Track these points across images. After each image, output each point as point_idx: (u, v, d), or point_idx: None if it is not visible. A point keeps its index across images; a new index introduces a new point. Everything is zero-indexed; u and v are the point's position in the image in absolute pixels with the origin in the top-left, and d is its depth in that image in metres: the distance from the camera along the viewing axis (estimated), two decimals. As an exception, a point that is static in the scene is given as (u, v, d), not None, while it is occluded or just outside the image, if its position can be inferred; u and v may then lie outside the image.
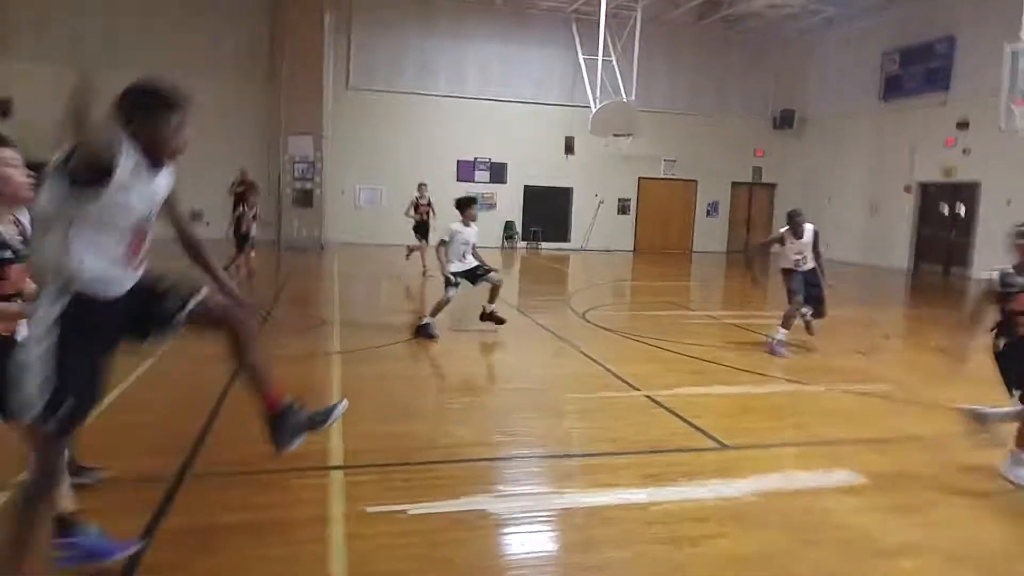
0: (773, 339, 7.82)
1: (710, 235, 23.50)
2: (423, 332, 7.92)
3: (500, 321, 8.41)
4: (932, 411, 5.90)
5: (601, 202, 22.61)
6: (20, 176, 2.74)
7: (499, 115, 21.54)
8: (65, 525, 2.82)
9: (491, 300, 8.40)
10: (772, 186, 23.61)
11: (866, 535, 3.59)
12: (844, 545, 3.47)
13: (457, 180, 21.05)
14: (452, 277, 8.00)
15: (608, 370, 6.91)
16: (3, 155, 2.72)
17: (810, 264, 7.96)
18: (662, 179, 22.93)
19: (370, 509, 3.63)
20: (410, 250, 14.05)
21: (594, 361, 7.29)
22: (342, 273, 14.89)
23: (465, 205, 8.24)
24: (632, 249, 22.94)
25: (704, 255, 22.72)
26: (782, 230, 8.10)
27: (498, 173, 22.02)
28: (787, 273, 8.00)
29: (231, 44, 19.23)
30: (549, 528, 3.67)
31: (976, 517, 3.87)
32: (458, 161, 21.47)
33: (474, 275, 8.17)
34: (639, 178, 22.69)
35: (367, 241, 20.14)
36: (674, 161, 22.86)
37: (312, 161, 19.47)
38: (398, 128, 20.68)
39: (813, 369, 7.27)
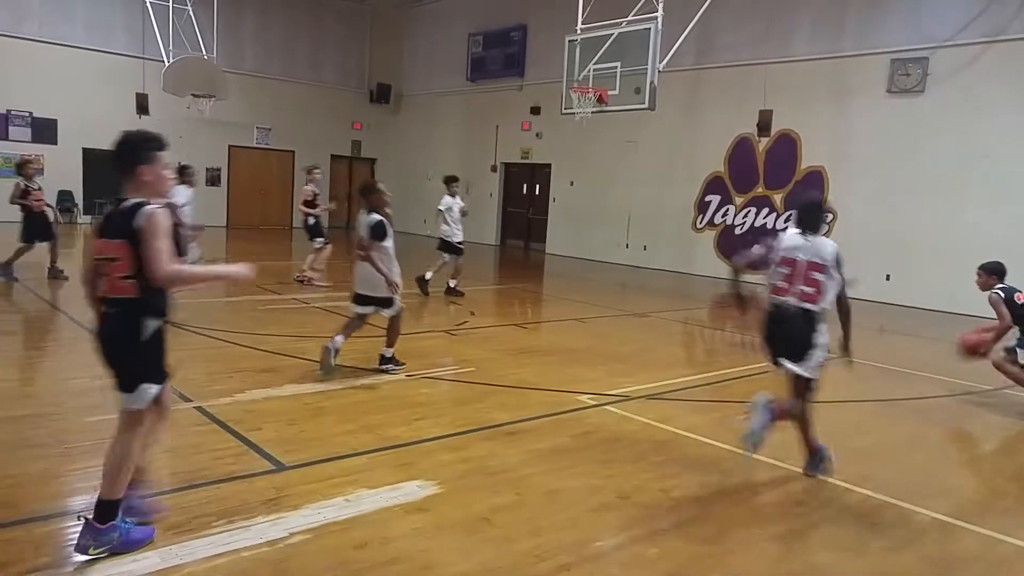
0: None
1: (312, 210, 22.40)
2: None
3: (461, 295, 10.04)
4: (514, 393, 5.81)
5: (187, 171, 19.81)
6: (170, 175, 3.17)
7: (40, 60, 17.31)
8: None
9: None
10: (372, 160, 23.49)
11: (426, 566, 2.98)
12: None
13: (-16, 136, 16.38)
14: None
15: (154, 378, 5.43)
16: (161, 158, 3.00)
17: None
18: (256, 148, 21.04)
19: None
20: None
21: (137, 367, 5.71)
22: None
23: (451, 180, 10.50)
24: (225, 224, 20.68)
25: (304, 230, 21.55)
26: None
27: (44, 131, 17.73)
28: None
29: None
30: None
31: (543, 511, 3.58)
32: (-17, 113, 16.69)
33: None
34: (229, 146, 20.46)
35: None
36: (269, 129, 21.13)
37: None
38: None
39: (399, 354, 6.74)
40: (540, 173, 19.07)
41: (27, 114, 17.58)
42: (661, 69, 10.93)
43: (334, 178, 22.81)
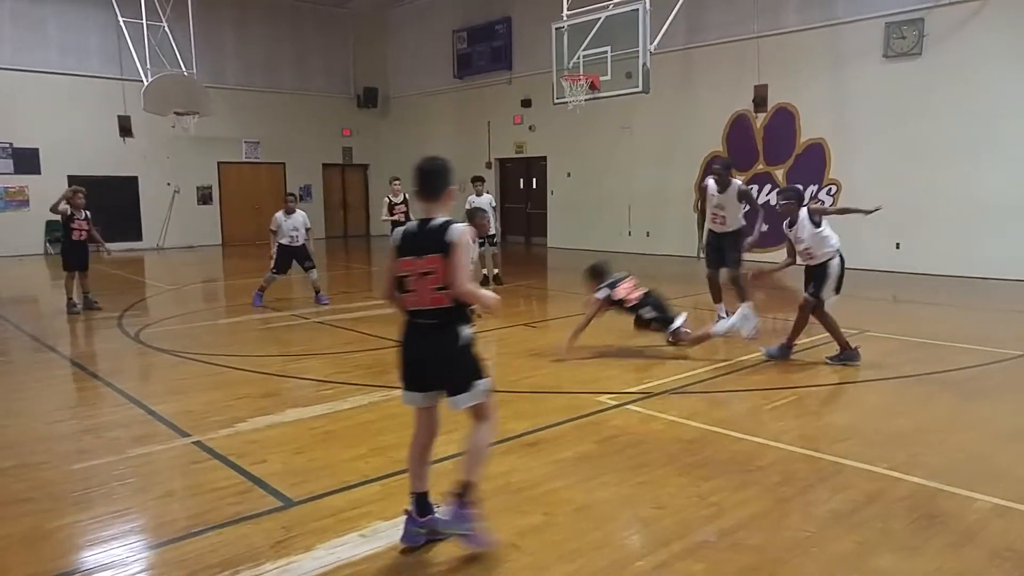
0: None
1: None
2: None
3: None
4: (530, 399, 5.52)
5: (176, 191, 19.57)
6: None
7: (17, 89, 17.08)
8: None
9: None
10: (365, 167, 23.19)
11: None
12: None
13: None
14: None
15: (151, 412, 5.19)
16: None
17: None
18: (246, 163, 20.76)
19: None
20: None
21: (133, 402, 5.46)
22: None
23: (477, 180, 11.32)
24: (220, 243, 20.40)
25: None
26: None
27: (27, 161, 17.49)
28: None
29: None
30: None
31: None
32: (-39, 146, 16.43)
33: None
34: (219, 162, 20.18)
35: None
36: (257, 143, 20.85)
37: None
38: None
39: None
40: (536, 166, 18.76)
41: (7, 145, 17.31)
42: (652, 51, 10.63)
43: (327, 186, 22.54)
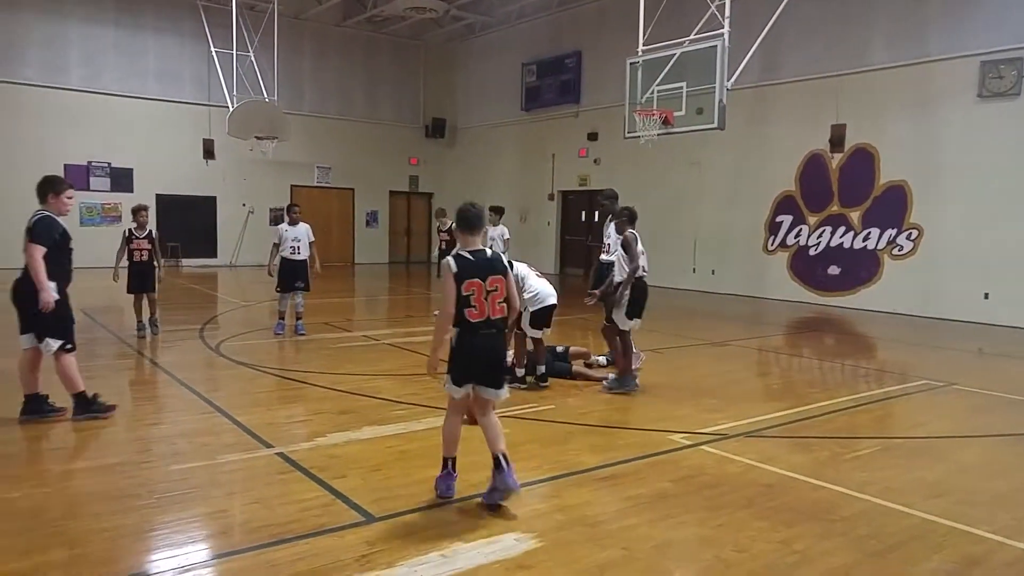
0: None
1: (372, 246, 22.68)
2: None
3: None
4: (601, 433, 5.52)
5: (251, 212, 20.34)
6: None
7: (117, 112, 18.28)
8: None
9: None
10: (429, 195, 23.67)
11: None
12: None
13: (66, 188, 17.17)
14: None
15: (236, 422, 5.38)
16: None
17: None
18: (317, 187, 21.46)
19: None
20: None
21: (219, 411, 5.68)
22: None
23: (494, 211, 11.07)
24: (290, 263, 21.05)
25: (367, 267, 21.82)
26: None
27: (121, 180, 18.57)
28: None
29: None
30: None
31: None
32: (66, 165, 17.47)
33: None
34: (291, 186, 20.90)
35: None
36: (329, 168, 21.56)
37: None
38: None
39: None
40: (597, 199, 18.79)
41: (106, 164, 18.40)
42: (729, 87, 10.62)
43: (393, 213, 23.09)
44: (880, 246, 13.06)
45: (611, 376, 6.70)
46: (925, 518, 3.89)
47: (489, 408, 3.98)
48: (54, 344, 5.18)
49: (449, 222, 12.17)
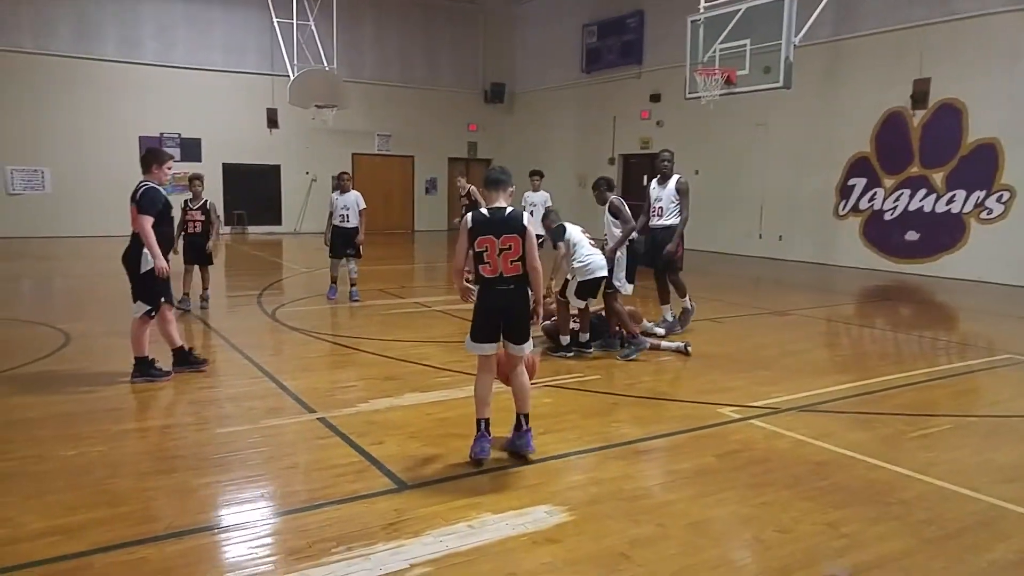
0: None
1: (431, 213, 22.75)
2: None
3: None
4: (647, 405, 5.36)
5: (314, 180, 20.68)
6: None
7: (186, 85, 18.79)
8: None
9: None
10: (488, 161, 23.49)
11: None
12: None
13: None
14: None
15: (282, 387, 5.47)
16: None
17: None
18: (378, 155, 21.60)
19: None
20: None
21: (266, 375, 5.78)
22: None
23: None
24: (352, 230, 21.39)
25: (426, 234, 21.95)
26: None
27: (191, 150, 19.11)
28: None
29: None
30: None
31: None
32: (140, 137, 18.08)
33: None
34: (353, 154, 21.10)
35: (29, 234, 16.80)
36: (389, 136, 21.65)
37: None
38: (57, 99, 17.44)
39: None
40: (662, 163, 18.25)
41: (177, 135, 18.97)
42: (797, 43, 10.01)
43: (452, 180, 23.03)
44: (967, 209, 12.22)
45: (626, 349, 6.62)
46: (993, 503, 3.60)
47: (519, 366, 4.06)
48: (142, 308, 5.51)
49: (468, 186, 11.57)
